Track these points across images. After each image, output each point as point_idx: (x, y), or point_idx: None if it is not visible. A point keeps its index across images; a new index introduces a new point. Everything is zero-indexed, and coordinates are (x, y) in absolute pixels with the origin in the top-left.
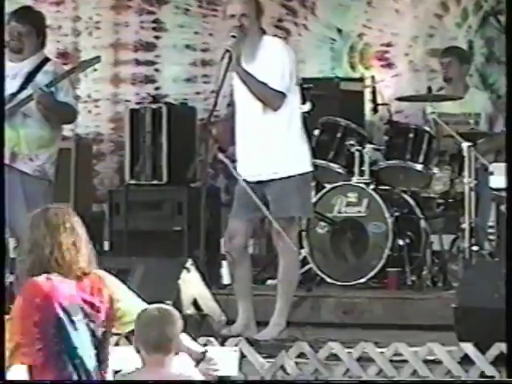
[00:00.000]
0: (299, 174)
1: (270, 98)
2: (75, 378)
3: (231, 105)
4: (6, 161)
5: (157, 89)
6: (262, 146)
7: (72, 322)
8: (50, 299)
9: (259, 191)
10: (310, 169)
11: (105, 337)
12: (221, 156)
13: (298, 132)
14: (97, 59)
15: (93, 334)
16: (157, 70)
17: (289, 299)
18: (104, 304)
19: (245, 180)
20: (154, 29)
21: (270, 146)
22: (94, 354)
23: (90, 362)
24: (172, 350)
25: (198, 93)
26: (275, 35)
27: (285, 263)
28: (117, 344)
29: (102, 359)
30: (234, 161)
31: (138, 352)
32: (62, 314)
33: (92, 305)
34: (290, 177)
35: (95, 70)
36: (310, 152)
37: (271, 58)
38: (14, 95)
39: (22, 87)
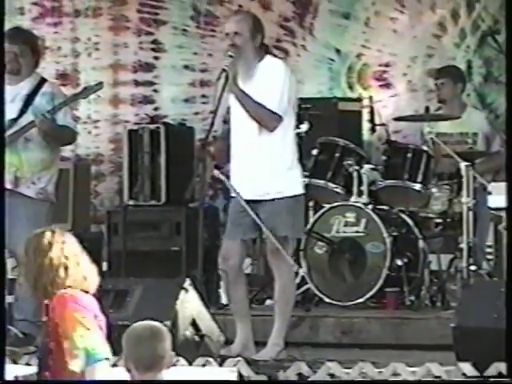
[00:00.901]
0: (291, 196)
1: (266, 119)
2: None
3: (227, 122)
4: (10, 186)
5: (156, 109)
6: (255, 167)
7: None
8: None
9: (253, 211)
10: (302, 191)
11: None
12: (216, 173)
13: (291, 154)
14: (99, 85)
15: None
16: (156, 90)
17: (286, 319)
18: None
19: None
20: (152, 49)
21: (263, 167)
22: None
23: None
24: (164, 367)
25: (196, 113)
26: (277, 56)
27: (281, 283)
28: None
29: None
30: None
31: (129, 371)
32: None
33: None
34: (281, 198)
35: (98, 96)
36: (302, 175)
37: (271, 78)
38: (14, 120)
39: (22, 111)
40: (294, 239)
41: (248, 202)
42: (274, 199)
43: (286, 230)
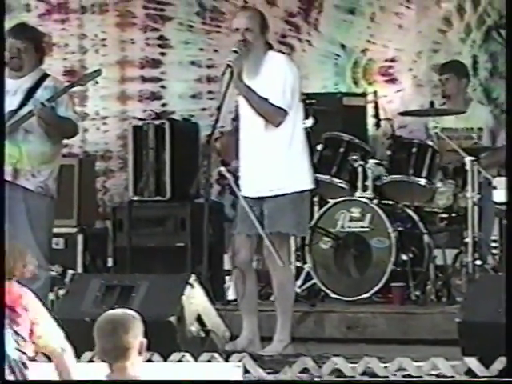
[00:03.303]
0: (296, 192)
1: (271, 114)
2: None
3: (236, 119)
4: (9, 177)
5: (163, 105)
6: (261, 163)
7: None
8: None
9: (258, 207)
10: (309, 187)
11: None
12: (223, 170)
13: (299, 150)
14: (97, 72)
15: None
16: (163, 86)
17: (288, 315)
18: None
19: (245, 196)
20: (159, 45)
21: (269, 163)
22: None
23: None
24: (132, 355)
25: (203, 109)
26: (279, 51)
27: (278, 280)
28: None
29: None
30: (236, 175)
31: (103, 361)
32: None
33: (13, 311)
34: (285, 194)
35: (96, 82)
36: (310, 170)
37: (274, 73)
38: (14, 111)
39: (23, 103)
40: (298, 237)
41: (255, 198)
42: (278, 196)
43: (289, 228)
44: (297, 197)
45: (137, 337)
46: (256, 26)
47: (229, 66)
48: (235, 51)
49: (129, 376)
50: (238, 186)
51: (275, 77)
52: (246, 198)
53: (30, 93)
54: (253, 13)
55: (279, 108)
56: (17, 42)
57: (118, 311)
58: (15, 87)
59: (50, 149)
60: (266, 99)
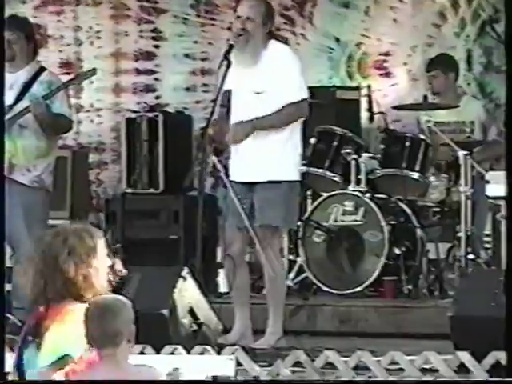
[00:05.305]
0: (286, 181)
1: (296, 114)
2: None
3: (224, 105)
4: (4, 172)
5: (157, 98)
6: (252, 150)
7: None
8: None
9: (249, 199)
10: (298, 178)
11: None
12: (214, 159)
13: (291, 139)
14: (92, 71)
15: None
16: (157, 79)
17: (280, 308)
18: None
19: (234, 181)
20: (153, 38)
21: (262, 149)
22: None
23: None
24: (121, 341)
25: (197, 102)
26: (279, 40)
27: (269, 273)
28: None
29: None
30: (227, 167)
31: (92, 346)
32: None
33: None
34: (276, 182)
35: (91, 82)
36: (300, 161)
37: (279, 65)
38: (10, 107)
39: (19, 98)
40: (286, 229)
41: (244, 184)
42: (268, 182)
43: (278, 221)
44: (287, 189)
45: (126, 323)
46: (258, 16)
47: (225, 58)
48: (231, 45)
49: (117, 363)
50: (228, 177)
51: (287, 71)
52: (236, 185)
53: (26, 87)
54: (257, 2)
55: (299, 101)
56: (7, 33)
57: (109, 297)
58: (11, 81)
59: (45, 143)
60: (283, 107)
